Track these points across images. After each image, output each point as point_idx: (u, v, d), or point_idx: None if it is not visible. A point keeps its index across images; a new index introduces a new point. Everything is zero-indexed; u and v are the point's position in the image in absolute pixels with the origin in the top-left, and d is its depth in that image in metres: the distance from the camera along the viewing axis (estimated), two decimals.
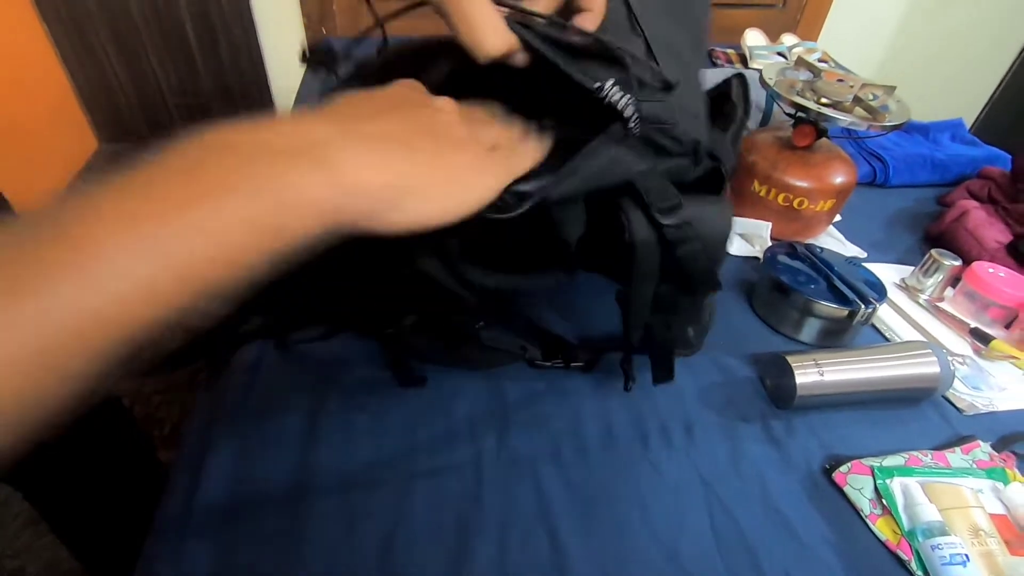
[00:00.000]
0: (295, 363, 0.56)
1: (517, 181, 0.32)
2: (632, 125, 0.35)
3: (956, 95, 1.69)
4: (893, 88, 0.76)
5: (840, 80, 0.77)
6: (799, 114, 0.74)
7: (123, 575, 0.42)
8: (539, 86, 0.36)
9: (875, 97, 0.74)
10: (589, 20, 0.36)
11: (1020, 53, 1.74)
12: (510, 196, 0.33)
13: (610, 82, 0.33)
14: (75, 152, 1.49)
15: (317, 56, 0.42)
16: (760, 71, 0.78)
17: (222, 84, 1.47)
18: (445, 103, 0.32)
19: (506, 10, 0.34)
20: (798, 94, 0.74)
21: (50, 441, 0.63)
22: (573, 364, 0.57)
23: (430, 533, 0.44)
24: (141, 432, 0.84)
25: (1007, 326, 0.68)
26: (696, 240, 0.38)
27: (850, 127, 0.70)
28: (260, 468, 0.46)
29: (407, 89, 0.32)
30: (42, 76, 1.37)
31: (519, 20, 0.34)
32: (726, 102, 0.51)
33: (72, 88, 1.43)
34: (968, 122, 1.88)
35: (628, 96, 0.34)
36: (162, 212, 0.19)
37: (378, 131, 0.27)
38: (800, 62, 0.80)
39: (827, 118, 0.70)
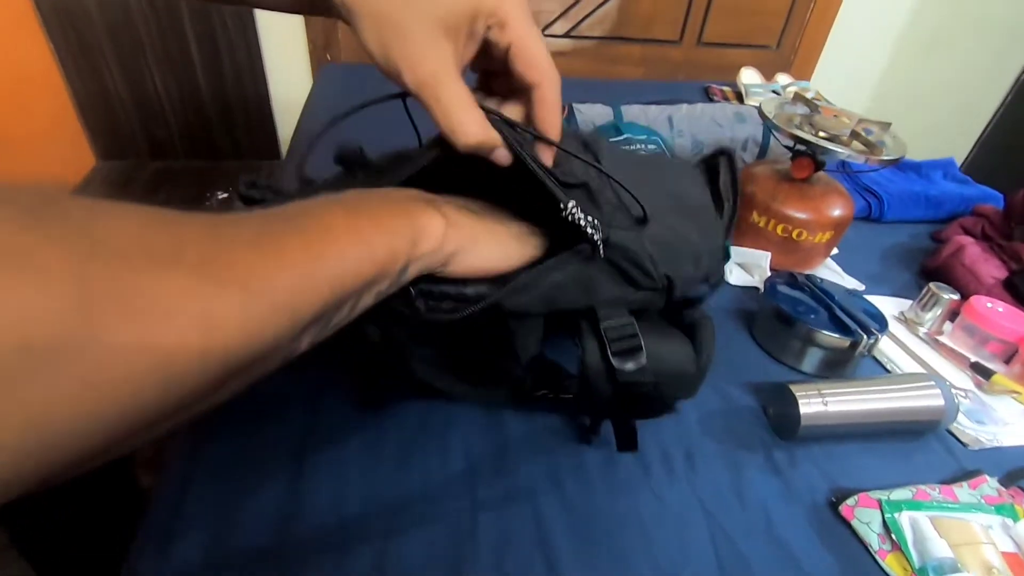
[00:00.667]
0: (283, 386, 0.53)
1: (468, 283, 0.35)
2: (598, 246, 0.35)
3: (944, 136, 1.74)
4: (888, 124, 0.78)
5: (836, 115, 0.78)
6: (797, 147, 0.75)
7: None
8: (512, 191, 0.37)
9: (871, 132, 0.75)
10: (546, 104, 0.36)
11: (1007, 96, 1.80)
12: (454, 299, 0.35)
13: (572, 203, 0.34)
14: (72, 168, 1.49)
15: (346, 158, 0.41)
16: (759, 106, 0.80)
17: (224, 104, 1.48)
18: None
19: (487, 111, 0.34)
20: (797, 127, 0.75)
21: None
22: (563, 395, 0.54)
23: (424, 560, 0.42)
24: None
25: (1007, 361, 0.68)
26: (652, 384, 0.36)
27: (848, 159, 0.71)
28: (244, 507, 0.44)
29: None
30: (43, 91, 1.38)
31: (501, 119, 0.33)
32: (715, 197, 0.51)
33: (72, 104, 1.44)
34: (957, 162, 1.94)
35: (590, 218, 0.34)
36: (360, 228, 0.28)
37: (461, 205, 0.36)
38: (797, 98, 0.82)
39: (826, 151, 0.72)
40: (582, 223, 0.34)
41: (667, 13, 1.48)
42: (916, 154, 1.17)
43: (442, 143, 0.33)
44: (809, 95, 1.35)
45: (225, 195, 1.48)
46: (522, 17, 0.32)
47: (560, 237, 0.37)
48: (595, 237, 0.34)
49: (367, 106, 0.38)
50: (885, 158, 0.70)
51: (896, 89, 1.74)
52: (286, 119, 1.53)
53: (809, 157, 0.75)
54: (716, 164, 0.56)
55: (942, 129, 1.83)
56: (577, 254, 0.36)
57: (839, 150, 0.71)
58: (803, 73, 1.60)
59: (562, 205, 0.33)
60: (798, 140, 0.73)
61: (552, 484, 0.48)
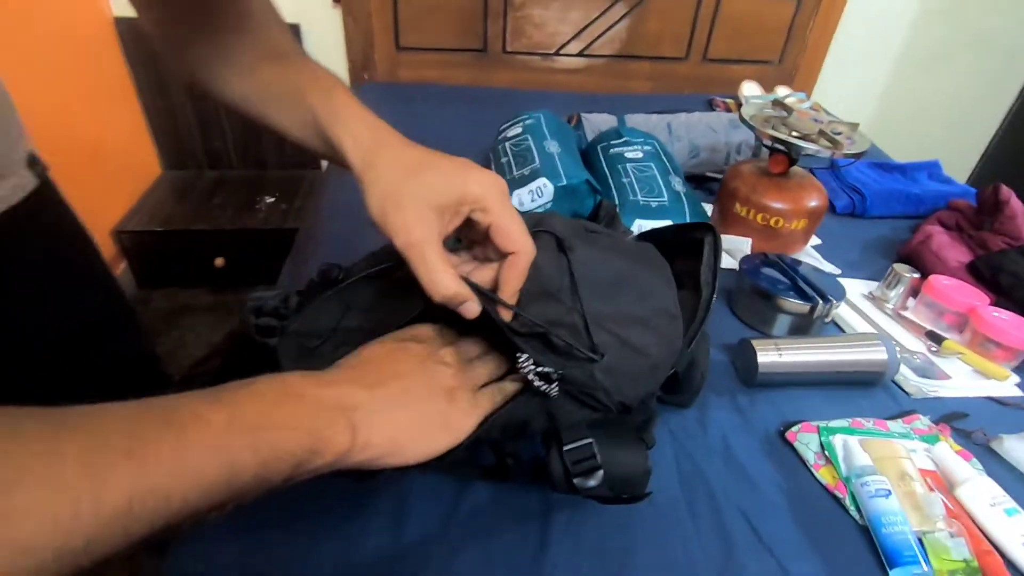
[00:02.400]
0: None
1: None
2: (546, 390, 0.40)
3: (948, 149, 1.79)
4: (856, 125, 0.88)
5: (811, 118, 0.88)
6: (774, 145, 0.85)
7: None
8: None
9: (839, 132, 0.85)
10: (508, 297, 0.41)
11: (1010, 109, 1.86)
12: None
13: (524, 356, 0.39)
14: (142, 177, 1.68)
15: (323, 276, 0.48)
16: (739, 110, 0.91)
17: None
18: (446, 354, 0.41)
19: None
20: (772, 128, 0.85)
21: None
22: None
23: None
24: None
25: (961, 331, 0.76)
26: (604, 486, 0.42)
27: (815, 154, 0.81)
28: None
29: (419, 347, 0.41)
30: (122, 108, 1.57)
31: (472, 284, 0.39)
32: (694, 279, 0.53)
33: (144, 120, 1.63)
34: (964, 174, 1.99)
35: (541, 371, 0.40)
36: (247, 430, 0.29)
37: (391, 395, 0.37)
38: (777, 104, 0.92)
39: (796, 147, 0.82)
40: (534, 379, 0.39)
41: (674, 32, 1.59)
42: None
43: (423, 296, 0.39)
44: (806, 104, 1.45)
45: (272, 199, 1.64)
46: (501, 203, 0.39)
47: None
48: (546, 388, 0.40)
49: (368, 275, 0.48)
50: (848, 152, 0.80)
51: (899, 102, 1.80)
52: None
53: (784, 154, 0.85)
54: (701, 240, 0.56)
55: (947, 142, 1.88)
56: (534, 396, 0.41)
57: (807, 146, 0.81)
58: (805, 86, 1.69)
59: (518, 356, 0.40)
60: (772, 138, 0.83)
61: None
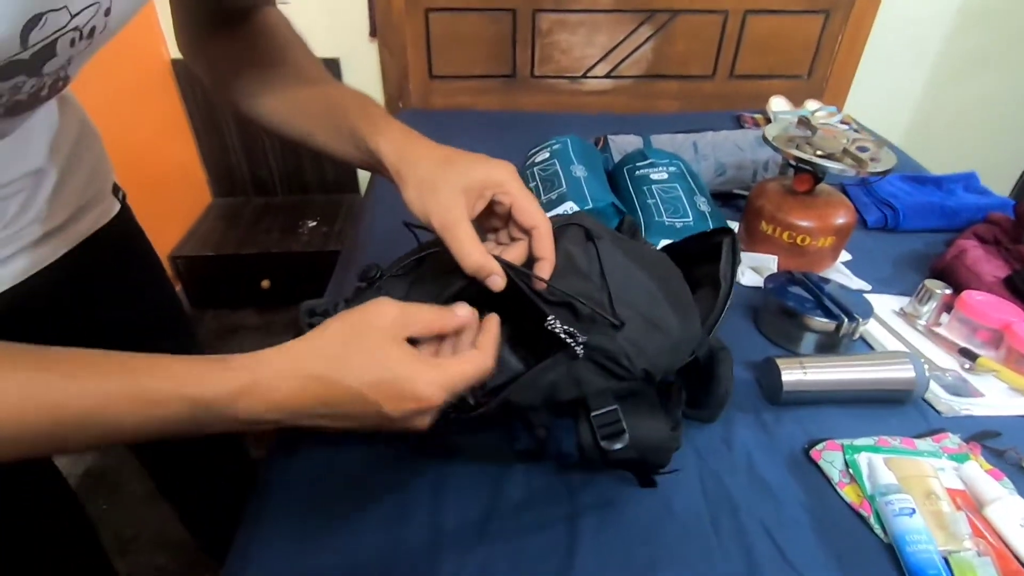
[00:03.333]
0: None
1: (483, 387, 0.44)
2: (578, 351, 0.43)
3: (987, 159, 1.74)
4: (884, 141, 0.88)
5: (836, 136, 0.89)
6: (799, 164, 0.86)
7: (223, 544, 0.53)
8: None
9: (866, 150, 0.85)
10: (545, 268, 0.45)
11: None
12: (474, 396, 0.44)
13: (551, 317, 0.43)
14: (195, 205, 1.79)
15: (363, 275, 0.54)
16: (763, 131, 0.92)
17: (315, 155, 1.76)
18: (412, 325, 0.40)
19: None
20: (796, 147, 0.86)
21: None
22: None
23: None
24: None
25: (997, 347, 0.74)
26: (631, 449, 0.45)
27: (840, 174, 0.82)
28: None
29: (379, 330, 0.38)
30: (177, 141, 1.70)
31: (503, 262, 0.44)
32: (713, 278, 0.57)
33: (197, 153, 1.75)
34: (1005, 185, 1.92)
35: (568, 328, 0.43)
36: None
37: (307, 420, 0.37)
38: (802, 123, 0.94)
39: (820, 167, 0.83)
40: (561, 334, 0.43)
41: (700, 52, 1.61)
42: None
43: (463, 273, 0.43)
44: (837, 119, 1.45)
45: (314, 223, 1.73)
46: (519, 186, 0.45)
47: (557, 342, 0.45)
48: (572, 343, 0.43)
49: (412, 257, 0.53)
50: (873, 170, 0.81)
51: (935, 111, 1.76)
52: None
53: (809, 172, 0.86)
54: (719, 243, 0.59)
55: (986, 152, 1.82)
56: (565, 356, 0.45)
57: (831, 165, 0.82)
58: (836, 99, 1.67)
59: (550, 318, 0.43)
60: (796, 158, 0.84)
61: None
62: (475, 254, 0.42)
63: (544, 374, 0.45)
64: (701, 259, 0.60)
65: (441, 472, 0.56)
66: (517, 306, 0.45)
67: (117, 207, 0.65)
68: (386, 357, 0.36)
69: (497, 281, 0.43)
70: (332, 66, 1.61)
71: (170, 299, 0.78)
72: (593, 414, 0.45)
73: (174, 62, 1.60)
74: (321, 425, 0.37)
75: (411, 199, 0.44)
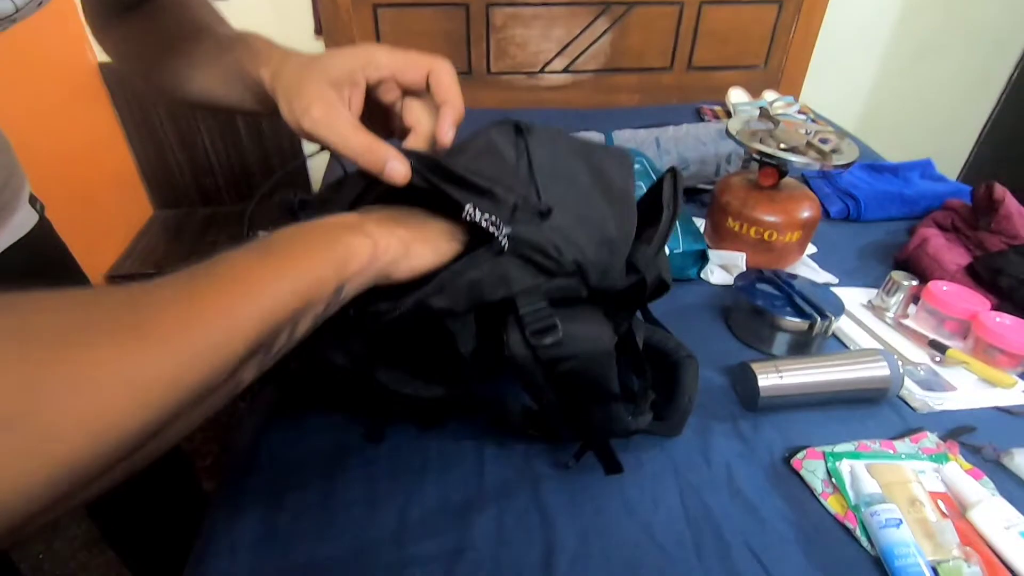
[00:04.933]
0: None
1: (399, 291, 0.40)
2: (502, 242, 0.40)
3: (940, 145, 1.79)
4: (845, 133, 0.87)
5: (798, 128, 0.88)
6: (764, 158, 0.85)
7: None
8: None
9: (827, 141, 0.84)
10: (447, 116, 0.42)
11: (999, 99, 1.85)
12: (387, 304, 0.40)
13: (470, 205, 0.39)
14: (133, 217, 1.68)
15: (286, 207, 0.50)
16: (725, 125, 0.90)
17: (263, 155, 1.67)
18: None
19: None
20: (760, 141, 0.85)
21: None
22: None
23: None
24: (188, 463, 0.93)
25: (964, 337, 0.74)
26: (573, 358, 0.41)
27: (804, 167, 0.81)
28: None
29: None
30: (110, 152, 1.58)
31: (401, 149, 0.41)
32: (657, 208, 0.51)
33: (134, 162, 1.64)
34: (957, 162, 1.98)
35: (489, 216, 0.39)
36: (275, 267, 0.31)
37: (387, 218, 0.40)
38: (763, 114, 0.92)
39: (784, 160, 0.81)
40: (483, 223, 0.39)
41: (657, 44, 1.59)
42: (913, 157, 1.24)
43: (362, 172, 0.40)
44: (794, 108, 1.45)
45: (266, 232, 1.64)
46: (384, 51, 0.41)
47: (478, 236, 0.41)
48: (495, 232, 0.39)
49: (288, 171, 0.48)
50: (837, 163, 0.79)
51: (888, 99, 1.80)
52: (317, 165, 1.70)
53: (773, 167, 0.85)
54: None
55: (938, 138, 1.88)
56: (488, 251, 0.40)
57: (795, 159, 0.80)
58: (792, 88, 1.68)
59: (464, 208, 0.39)
60: (760, 153, 0.82)
61: (546, 451, 0.58)
62: (355, 137, 0.38)
63: (465, 271, 0.40)
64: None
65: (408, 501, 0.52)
66: (439, 206, 0.41)
67: (34, 219, 0.58)
68: None
69: (397, 168, 0.39)
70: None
71: None
72: (521, 312, 0.41)
73: (102, 66, 1.49)
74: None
75: (284, 112, 0.40)
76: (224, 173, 1.72)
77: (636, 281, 0.46)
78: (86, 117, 1.49)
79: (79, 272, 0.68)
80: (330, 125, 0.38)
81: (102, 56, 1.48)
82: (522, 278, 0.41)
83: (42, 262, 0.61)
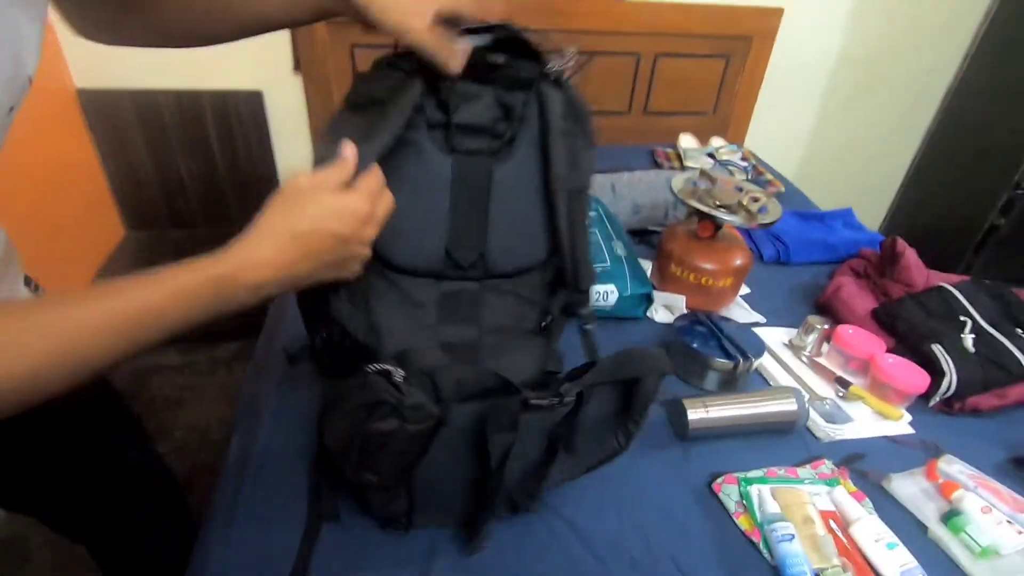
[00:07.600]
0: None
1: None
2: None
3: (865, 191, 1.98)
4: (774, 194, 1.00)
5: (734, 188, 1.00)
6: (702, 215, 0.96)
7: None
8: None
9: (757, 200, 0.96)
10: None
11: (920, 146, 2.06)
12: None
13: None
14: (105, 239, 1.69)
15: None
16: (669, 183, 1.02)
17: (238, 180, 1.72)
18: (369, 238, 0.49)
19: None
20: (698, 199, 0.96)
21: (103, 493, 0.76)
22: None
23: None
24: (180, 491, 0.95)
25: (865, 375, 0.87)
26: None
27: (737, 226, 0.92)
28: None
29: (355, 222, 0.48)
30: (82, 173, 1.60)
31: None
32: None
33: (106, 184, 1.66)
34: (883, 206, 2.17)
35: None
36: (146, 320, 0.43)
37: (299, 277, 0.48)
38: (703, 175, 1.04)
39: (718, 219, 0.93)
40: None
41: (615, 90, 1.73)
42: (844, 200, 1.40)
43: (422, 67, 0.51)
44: (738, 155, 1.58)
45: None
46: None
47: None
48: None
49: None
50: (762, 222, 0.92)
51: (823, 145, 1.99)
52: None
53: (711, 221, 0.96)
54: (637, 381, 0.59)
55: (864, 184, 2.08)
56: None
57: (728, 218, 0.92)
58: (738, 133, 1.84)
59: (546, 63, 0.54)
60: (697, 211, 0.94)
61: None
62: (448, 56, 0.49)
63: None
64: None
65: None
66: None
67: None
68: (321, 200, 0.47)
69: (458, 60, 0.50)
70: (255, 99, 1.59)
71: None
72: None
73: (80, 92, 1.52)
74: (304, 275, 0.47)
75: (385, 20, 0.48)
76: (197, 197, 1.75)
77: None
78: (61, 141, 1.51)
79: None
80: (422, 42, 0.48)
81: (81, 83, 1.51)
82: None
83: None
